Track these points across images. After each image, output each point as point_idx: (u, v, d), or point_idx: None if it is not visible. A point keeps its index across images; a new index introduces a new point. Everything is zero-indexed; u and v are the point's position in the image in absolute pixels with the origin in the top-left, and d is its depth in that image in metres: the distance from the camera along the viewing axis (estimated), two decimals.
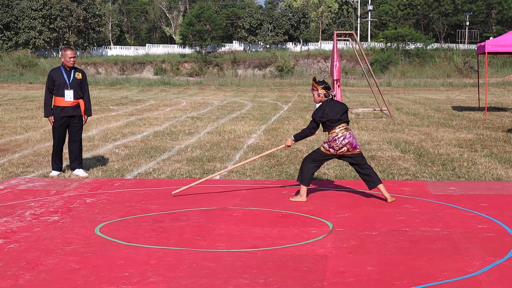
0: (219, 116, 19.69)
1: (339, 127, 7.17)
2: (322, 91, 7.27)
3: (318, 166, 7.40)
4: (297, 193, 7.61)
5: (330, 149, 7.21)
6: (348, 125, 7.26)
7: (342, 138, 7.14)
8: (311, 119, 7.33)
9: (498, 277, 4.68)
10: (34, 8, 66.79)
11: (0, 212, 6.86)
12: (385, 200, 7.30)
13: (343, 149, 7.17)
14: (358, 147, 7.25)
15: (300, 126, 16.60)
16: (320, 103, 7.30)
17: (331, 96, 7.30)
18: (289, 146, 7.56)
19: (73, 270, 4.85)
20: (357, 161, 7.27)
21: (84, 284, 4.56)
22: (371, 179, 7.27)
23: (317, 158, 7.34)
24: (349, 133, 7.20)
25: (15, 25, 67.19)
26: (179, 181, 8.69)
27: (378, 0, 78.03)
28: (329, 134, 7.24)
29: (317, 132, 7.38)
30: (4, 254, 5.28)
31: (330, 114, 7.14)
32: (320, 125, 7.28)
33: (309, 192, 7.56)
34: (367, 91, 34.74)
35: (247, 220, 6.51)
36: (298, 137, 7.45)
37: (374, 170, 7.83)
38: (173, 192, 7.69)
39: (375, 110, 21.72)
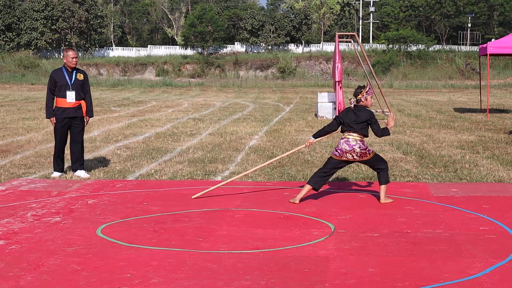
0: (221, 118, 19.69)
1: (348, 133, 7.24)
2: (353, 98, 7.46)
3: (325, 169, 7.39)
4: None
5: (336, 151, 7.29)
6: (362, 136, 7.25)
7: (343, 142, 7.21)
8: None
9: (499, 279, 4.68)
10: (36, 9, 66.82)
11: (1, 213, 6.87)
12: (378, 199, 7.39)
13: (347, 155, 7.20)
14: (365, 155, 7.23)
15: (302, 127, 16.61)
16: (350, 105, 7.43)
17: (357, 102, 7.34)
18: (311, 143, 7.66)
19: (74, 271, 4.86)
20: (368, 163, 7.39)
21: (85, 285, 4.56)
22: (379, 177, 7.41)
23: (327, 162, 7.48)
24: (355, 140, 7.18)
25: (17, 26, 67.23)
26: (181, 182, 8.70)
27: (380, 2, 78.01)
28: None
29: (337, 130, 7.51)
30: (6, 255, 5.28)
31: (345, 118, 7.29)
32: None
33: (310, 193, 7.55)
34: None
35: (248, 221, 6.51)
36: (319, 133, 7.56)
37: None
38: (193, 196, 7.65)
39: (377, 111, 21.70)
